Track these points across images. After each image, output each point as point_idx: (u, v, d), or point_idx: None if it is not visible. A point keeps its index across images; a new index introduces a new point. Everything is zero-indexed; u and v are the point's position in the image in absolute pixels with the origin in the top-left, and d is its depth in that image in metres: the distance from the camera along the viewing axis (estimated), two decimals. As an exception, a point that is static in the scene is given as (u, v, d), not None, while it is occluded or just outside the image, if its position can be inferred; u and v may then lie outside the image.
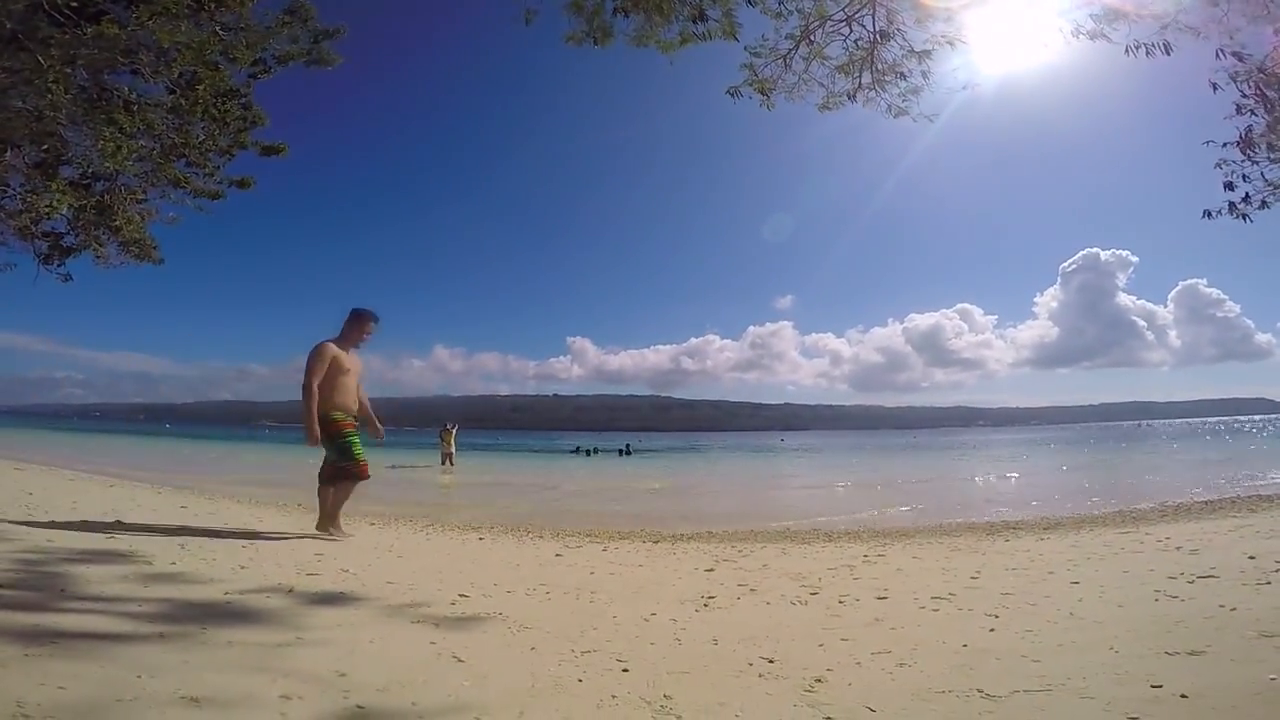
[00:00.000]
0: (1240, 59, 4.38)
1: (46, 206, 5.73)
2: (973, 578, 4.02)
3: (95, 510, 6.00)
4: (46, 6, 4.42)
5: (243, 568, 3.89)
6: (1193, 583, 3.21)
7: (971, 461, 24.72)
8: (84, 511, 5.87)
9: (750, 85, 4.97)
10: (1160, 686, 1.96)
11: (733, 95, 5.06)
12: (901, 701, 1.99)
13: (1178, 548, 4.72)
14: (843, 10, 4.73)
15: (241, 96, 6.31)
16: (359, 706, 1.84)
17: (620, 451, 34.49)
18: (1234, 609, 2.64)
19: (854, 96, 5.01)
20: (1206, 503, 8.74)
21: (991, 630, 2.78)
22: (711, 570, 4.53)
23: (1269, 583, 2.92)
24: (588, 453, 33.47)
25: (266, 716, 1.74)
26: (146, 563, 3.77)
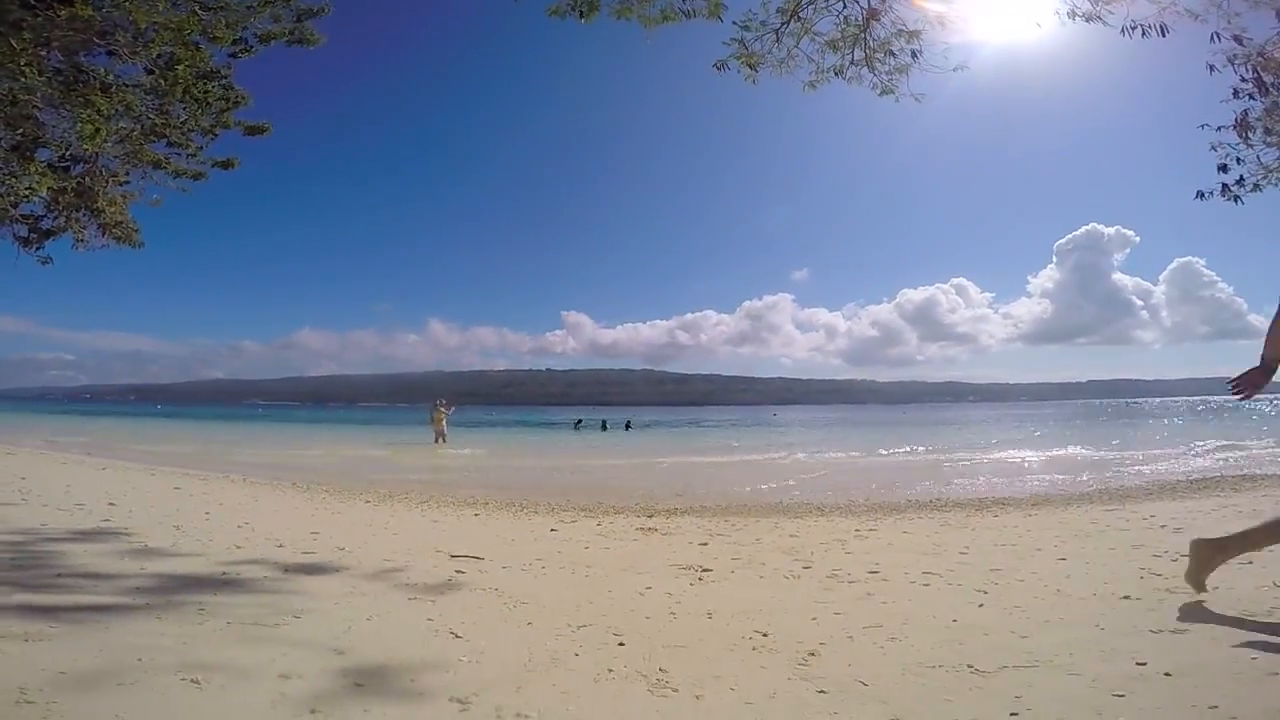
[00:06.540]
0: (1240, 42, 4.33)
1: (26, 189, 5.62)
2: (962, 553, 4.08)
3: (89, 493, 5.99)
4: None
5: (238, 547, 3.90)
6: (1176, 561, 3.26)
7: (961, 439, 24.99)
8: (78, 495, 5.87)
9: (738, 59, 4.87)
10: (1145, 664, 2.00)
11: (719, 69, 4.97)
12: (893, 675, 2.03)
13: (1162, 525, 4.80)
14: None
15: (223, 77, 6.16)
16: (357, 684, 1.86)
17: (626, 425, 35.60)
18: (1216, 588, 2.69)
19: (842, 73, 4.94)
20: (1192, 481, 8.86)
21: (980, 605, 2.83)
22: (705, 544, 4.58)
23: (1251, 562, 2.96)
24: (603, 426, 33.74)
25: (266, 693, 1.75)
26: (141, 544, 3.78)
